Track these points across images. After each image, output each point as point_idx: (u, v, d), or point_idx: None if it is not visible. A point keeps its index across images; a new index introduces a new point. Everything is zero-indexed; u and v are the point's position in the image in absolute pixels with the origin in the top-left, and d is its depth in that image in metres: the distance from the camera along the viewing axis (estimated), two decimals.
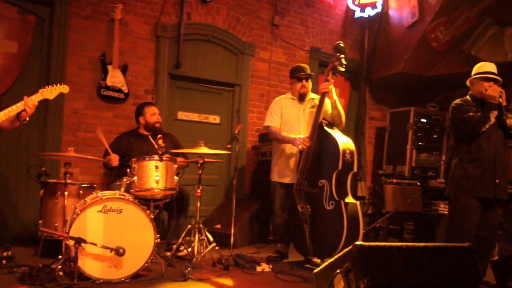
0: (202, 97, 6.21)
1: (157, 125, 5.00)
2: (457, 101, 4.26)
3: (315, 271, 2.89)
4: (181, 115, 6.04)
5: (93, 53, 5.31)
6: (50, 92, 3.74)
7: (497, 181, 4.07)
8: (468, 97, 4.27)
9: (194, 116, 6.14)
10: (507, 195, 4.19)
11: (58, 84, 3.79)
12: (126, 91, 5.42)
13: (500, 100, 4.02)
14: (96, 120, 5.33)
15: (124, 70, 5.42)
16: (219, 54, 6.23)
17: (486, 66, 4.20)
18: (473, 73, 4.25)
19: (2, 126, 3.69)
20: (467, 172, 4.10)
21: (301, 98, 4.88)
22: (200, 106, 6.19)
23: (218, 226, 5.42)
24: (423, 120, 7.02)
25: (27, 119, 3.68)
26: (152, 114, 5.00)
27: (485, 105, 4.07)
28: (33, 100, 3.59)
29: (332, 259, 2.73)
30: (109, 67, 5.32)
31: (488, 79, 4.11)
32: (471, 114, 4.06)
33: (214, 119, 6.31)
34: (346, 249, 2.59)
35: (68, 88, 3.88)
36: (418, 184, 6.17)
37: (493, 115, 4.04)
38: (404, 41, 6.73)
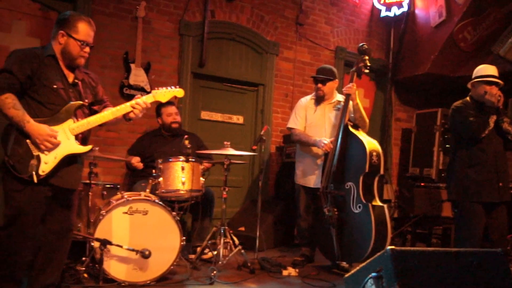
0: (225, 96, 6.11)
1: (174, 125, 4.90)
2: (457, 103, 4.21)
3: (345, 275, 2.83)
4: (204, 115, 5.95)
5: (115, 51, 5.24)
6: (164, 94, 3.19)
7: (501, 184, 4.07)
8: (468, 98, 4.21)
9: (217, 116, 6.04)
10: (510, 196, 4.20)
11: (173, 87, 3.25)
12: (149, 90, 5.33)
13: (498, 104, 3.98)
14: None
15: (147, 68, 5.36)
16: (243, 53, 6.13)
17: (488, 69, 4.13)
18: (474, 75, 4.17)
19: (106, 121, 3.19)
20: (469, 177, 4.07)
21: (318, 100, 4.77)
22: (223, 106, 6.09)
23: (242, 228, 5.33)
24: None
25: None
26: (168, 115, 4.90)
27: (484, 109, 4.04)
28: (145, 102, 3.08)
29: (363, 264, 2.67)
30: (132, 66, 5.26)
31: (490, 83, 4.03)
32: (471, 119, 4.01)
33: (238, 119, 6.21)
34: (378, 253, 2.53)
35: (183, 92, 3.31)
36: None
37: (492, 120, 4.02)
38: (430, 41, 6.59)
